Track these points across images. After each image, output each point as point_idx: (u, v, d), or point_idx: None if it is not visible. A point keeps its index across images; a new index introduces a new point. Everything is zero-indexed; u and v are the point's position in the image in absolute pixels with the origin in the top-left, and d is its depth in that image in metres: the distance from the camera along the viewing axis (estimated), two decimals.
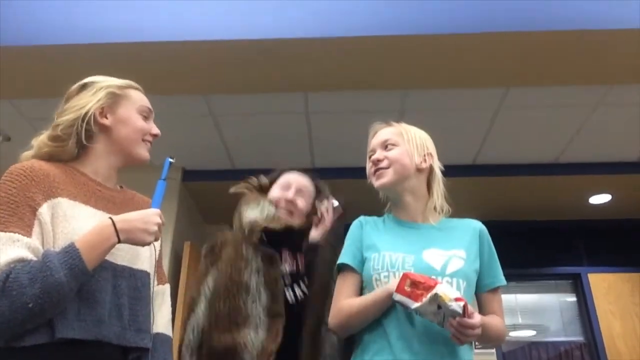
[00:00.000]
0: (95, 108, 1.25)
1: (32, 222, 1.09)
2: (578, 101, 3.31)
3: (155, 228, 1.16)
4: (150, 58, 2.68)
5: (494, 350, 4.23)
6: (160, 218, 1.19)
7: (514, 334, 4.65)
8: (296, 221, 1.73)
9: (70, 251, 1.06)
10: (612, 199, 4.39)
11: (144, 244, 1.16)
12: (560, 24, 2.57)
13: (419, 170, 1.50)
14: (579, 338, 4.49)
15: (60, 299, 1.03)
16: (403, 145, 1.51)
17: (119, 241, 1.11)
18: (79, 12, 2.66)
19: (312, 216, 1.76)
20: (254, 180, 1.86)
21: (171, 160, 1.33)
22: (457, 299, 1.18)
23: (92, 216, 1.18)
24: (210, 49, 2.67)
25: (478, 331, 1.22)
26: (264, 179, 1.87)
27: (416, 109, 3.32)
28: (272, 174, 1.89)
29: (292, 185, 1.79)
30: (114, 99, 1.29)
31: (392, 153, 1.50)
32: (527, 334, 4.69)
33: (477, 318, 1.23)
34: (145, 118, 1.33)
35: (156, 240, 1.19)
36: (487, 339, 1.36)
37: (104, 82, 1.31)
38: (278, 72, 2.86)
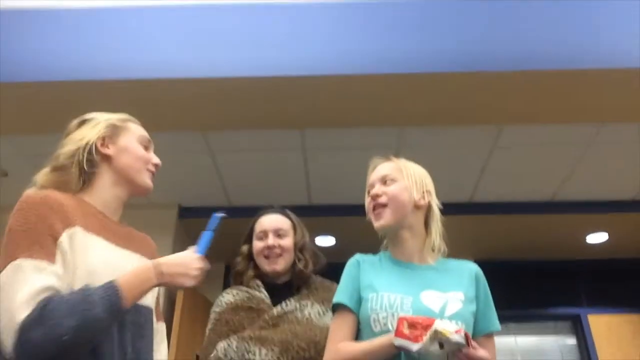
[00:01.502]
0: (96, 138, 1.27)
1: (54, 251, 1.08)
2: (572, 139, 3.34)
3: (196, 272, 1.18)
4: (149, 95, 2.71)
5: None
6: (202, 263, 1.21)
7: None
8: (281, 265, 1.79)
9: (111, 288, 1.06)
10: (609, 238, 4.38)
11: (183, 286, 1.17)
12: (555, 63, 2.62)
13: (417, 207, 1.49)
14: None
15: (95, 335, 1.02)
16: (402, 181, 1.50)
17: (159, 284, 1.13)
18: (78, 49, 2.69)
19: (299, 251, 1.83)
20: (244, 249, 1.89)
21: (220, 215, 1.38)
22: (457, 332, 1.16)
23: (106, 248, 1.18)
24: (208, 86, 2.70)
25: None
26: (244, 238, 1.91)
27: (412, 146, 3.34)
28: (248, 229, 1.91)
29: (269, 231, 1.83)
30: (114, 130, 1.31)
31: (391, 189, 1.50)
32: None
33: (483, 351, 1.20)
34: (146, 148, 1.36)
35: (197, 285, 1.20)
36: None
37: (103, 116, 1.34)
38: (275, 109, 2.90)
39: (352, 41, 2.70)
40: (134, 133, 1.34)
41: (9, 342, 0.97)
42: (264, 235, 1.83)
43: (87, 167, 1.24)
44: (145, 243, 1.37)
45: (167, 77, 2.64)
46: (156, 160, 1.37)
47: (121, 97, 2.64)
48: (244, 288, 1.80)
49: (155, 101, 2.75)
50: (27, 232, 1.07)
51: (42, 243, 1.07)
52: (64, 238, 1.10)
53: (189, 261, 1.19)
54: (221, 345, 1.59)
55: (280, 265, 1.79)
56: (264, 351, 1.56)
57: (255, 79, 2.66)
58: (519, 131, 3.24)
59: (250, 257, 1.87)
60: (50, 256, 1.07)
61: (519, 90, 2.73)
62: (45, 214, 1.10)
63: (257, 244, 1.83)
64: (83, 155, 1.24)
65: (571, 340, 4.61)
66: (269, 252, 1.79)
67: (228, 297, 1.78)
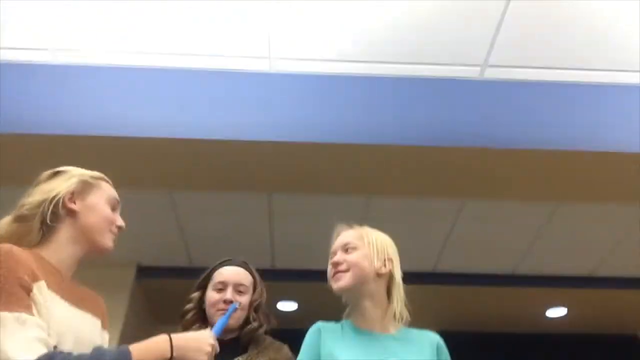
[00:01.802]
0: (65, 192, 1.25)
1: (30, 303, 1.04)
2: (530, 216, 3.43)
3: (209, 349, 1.18)
4: (117, 151, 2.70)
5: None
6: (214, 342, 1.23)
7: None
8: (234, 322, 1.69)
9: (123, 352, 1.04)
10: (567, 312, 4.43)
11: None
12: (517, 142, 2.72)
13: (378, 275, 1.49)
14: None
15: None
16: (363, 249, 1.51)
17: (171, 357, 1.11)
18: (47, 104, 2.67)
19: (254, 310, 1.76)
20: (195, 295, 1.81)
21: (237, 307, 1.55)
22: None
23: (66, 309, 1.15)
24: (176, 146, 2.70)
25: None
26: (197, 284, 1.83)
27: (378, 215, 3.37)
28: (206, 272, 1.84)
29: (229, 284, 1.75)
30: (85, 187, 1.29)
31: (351, 257, 1.50)
32: None
33: None
34: (113, 209, 1.34)
35: None
36: None
37: (76, 171, 1.33)
38: (243, 172, 2.91)
39: (321, 110, 2.77)
40: (103, 192, 1.33)
41: None
42: (223, 287, 1.74)
43: (50, 220, 1.21)
44: (96, 303, 1.33)
45: (135, 136, 2.64)
46: (120, 222, 1.34)
47: (88, 152, 2.61)
48: None
49: (122, 158, 2.72)
50: (1, 285, 1.02)
51: (17, 295, 1.03)
52: (35, 291, 1.07)
53: (202, 337, 1.20)
54: None
55: (234, 320, 1.69)
56: None
57: (224, 142, 2.68)
58: (481, 205, 3.32)
59: (200, 306, 1.77)
60: (28, 308, 1.03)
61: (484, 166, 2.83)
62: (13, 267, 1.06)
63: (213, 295, 1.73)
64: (49, 208, 1.21)
65: None
66: (225, 307, 1.68)
67: None
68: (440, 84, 2.85)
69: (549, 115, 2.79)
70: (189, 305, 1.78)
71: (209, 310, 1.73)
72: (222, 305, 1.69)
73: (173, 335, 1.14)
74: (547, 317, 4.50)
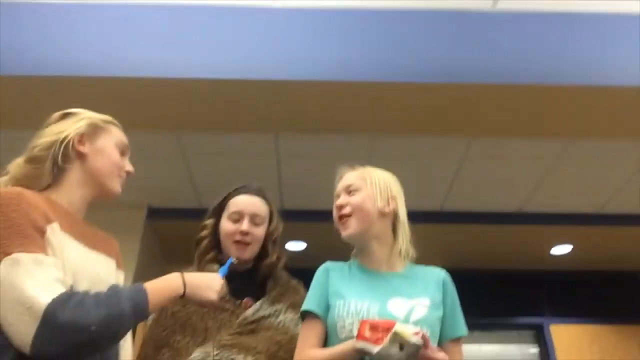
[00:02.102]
0: (74, 134, 1.25)
1: (44, 244, 1.06)
2: (539, 153, 3.41)
3: (219, 288, 1.24)
4: (123, 93, 2.68)
5: None
6: (222, 287, 1.28)
7: None
8: (249, 254, 1.64)
9: (138, 289, 1.09)
10: (573, 249, 4.48)
11: (207, 300, 1.20)
12: (528, 77, 2.67)
13: (382, 214, 1.50)
14: None
15: (119, 331, 1.02)
16: (366, 190, 1.51)
17: (184, 294, 1.15)
18: (53, 45, 2.64)
19: (272, 242, 1.70)
20: (209, 222, 1.72)
21: (233, 261, 1.48)
22: (416, 333, 1.18)
23: (79, 249, 1.16)
24: (183, 87, 2.68)
25: None
26: (211, 211, 1.74)
27: (385, 154, 3.37)
28: (220, 198, 1.73)
29: (245, 214, 1.65)
30: (95, 130, 1.29)
31: (355, 198, 1.50)
32: None
33: (442, 354, 1.22)
34: (122, 153, 1.34)
35: (217, 302, 1.25)
36: None
37: (87, 114, 1.32)
38: (249, 113, 2.89)
39: (327, 47, 2.71)
40: (113, 137, 1.32)
41: (28, 331, 0.93)
42: (239, 217, 1.65)
43: (61, 162, 1.22)
44: (109, 243, 1.35)
45: (141, 76, 2.61)
46: (129, 167, 1.35)
47: (94, 94, 2.59)
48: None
49: (128, 99, 2.71)
50: (12, 228, 1.03)
51: (32, 237, 1.04)
52: (49, 232, 1.08)
53: (213, 276, 1.24)
54: (197, 354, 1.42)
55: (248, 254, 1.64)
56: (249, 359, 1.43)
57: (230, 81, 2.65)
58: (489, 143, 3.30)
59: (214, 233, 1.68)
60: (44, 249, 1.04)
61: (492, 103, 2.78)
62: (26, 210, 1.07)
63: (228, 226, 1.64)
64: (59, 149, 1.22)
65: (534, 349, 4.70)
66: (241, 238, 1.62)
67: None
68: (449, 17, 2.77)
69: (559, 49, 2.71)
70: (204, 233, 1.70)
71: (224, 241, 1.66)
72: (238, 237, 1.62)
73: (185, 274, 1.17)
74: (552, 255, 4.56)
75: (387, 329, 1.19)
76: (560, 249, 4.49)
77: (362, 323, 1.24)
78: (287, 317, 1.58)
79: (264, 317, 1.54)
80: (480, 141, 3.28)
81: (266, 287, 1.65)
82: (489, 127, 3.02)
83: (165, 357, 1.47)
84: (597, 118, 2.87)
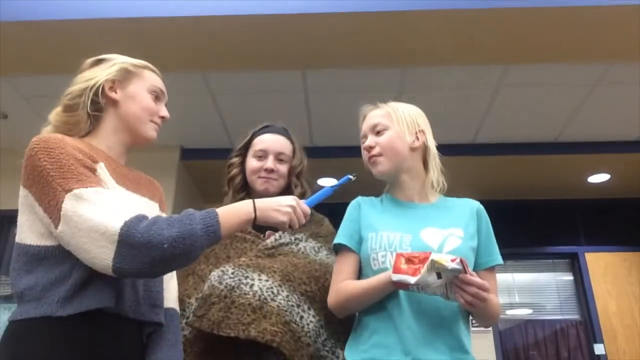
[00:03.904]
0: (104, 80, 1.24)
1: (98, 179, 1.09)
2: (578, 79, 3.29)
3: (288, 209, 1.19)
4: (149, 34, 2.66)
5: (490, 329, 4.28)
6: (297, 204, 1.21)
7: (510, 312, 4.70)
8: (275, 187, 1.68)
9: (210, 212, 1.09)
10: (610, 178, 4.40)
11: (277, 222, 1.18)
12: (563, 0, 2.54)
13: (412, 149, 1.48)
14: (575, 316, 4.54)
15: (192, 250, 1.03)
16: (393, 127, 1.49)
17: (255, 217, 1.14)
18: None
19: (296, 176, 1.73)
20: (236, 161, 1.76)
21: (351, 177, 1.39)
22: (453, 260, 1.17)
23: (121, 192, 1.18)
24: (208, 25, 2.64)
25: (485, 294, 1.20)
26: (237, 149, 1.78)
27: (415, 87, 3.30)
28: (247, 137, 1.77)
29: (269, 152, 1.69)
30: (126, 76, 1.28)
31: (383, 138, 1.48)
32: (524, 312, 4.74)
33: (480, 279, 1.21)
34: (157, 99, 1.32)
35: (292, 223, 1.20)
36: (485, 315, 1.37)
37: (119, 59, 1.30)
38: (276, 49, 2.84)
39: None
40: (145, 81, 1.30)
41: (107, 254, 0.98)
42: (264, 155, 1.70)
43: (94, 109, 1.22)
44: (152, 187, 1.37)
45: (167, 16, 2.58)
46: (164, 112, 1.33)
47: (121, 36, 2.58)
48: None
49: (155, 40, 2.69)
50: (64, 169, 1.06)
51: (85, 174, 1.07)
52: (99, 170, 1.12)
53: (282, 198, 1.21)
54: (214, 273, 1.48)
55: (274, 187, 1.68)
56: (263, 277, 1.47)
57: (255, 17, 2.60)
58: (524, 71, 3.18)
59: (243, 171, 1.74)
60: (100, 183, 1.08)
61: (526, 28, 2.67)
62: (70, 152, 1.09)
63: (254, 163, 1.69)
64: (89, 97, 1.22)
65: (568, 277, 4.72)
66: (266, 175, 1.67)
67: None
68: None
69: None
70: (234, 171, 1.74)
71: (250, 177, 1.70)
72: (263, 174, 1.67)
73: (256, 200, 1.17)
74: (589, 183, 4.48)
75: (424, 260, 1.19)
76: (598, 178, 4.40)
77: (397, 256, 1.25)
78: (307, 245, 1.62)
79: (283, 244, 1.59)
80: (516, 68, 3.17)
81: None
82: (523, 53, 2.91)
83: (190, 284, 1.54)
84: (634, 40, 2.72)
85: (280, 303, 1.43)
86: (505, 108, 3.59)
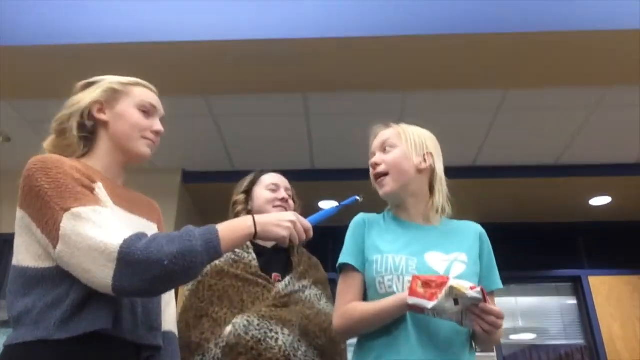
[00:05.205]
0: (90, 103, 1.24)
1: (97, 199, 1.09)
2: (577, 102, 3.31)
3: (289, 224, 1.16)
4: (151, 58, 2.69)
5: (494, 354, 4.23)
6: (298, 219, 1.19)
7: (514, 337, 4.64)
8: None
9: (210, 228, 1.08)
10: (612, 200, 4.38)
11: (278, 237, 1.16)
12: (559, 24, 2.57)
13: (419, 171, 1.48)
14: (580, 341, 4.48)
15: (192, 267, 1.02)
16: (401, 147, 1.49)
17: (256, 233, 1.13)
18: (80, 12, 2.66)
19: None
20: (241, 197, 1.84)
21: (358, 198, 1.41)
22: (472, 287, 1.16)
23: (118, 213, 1.18)
24: (210, 49, 2.67)
25: (501, 322, 1.20)
26: (241, 188, 1.87)
27: (416, 111, 3.32)
28: (250, 177, 1.88)
29: (281, 186, 1.83)
30: (114, 95, 1.27)
31: (390, 156, 1.49)
32: (528, 337, 4.68)
33: (497, 308, 1.21)
34: (146, 114, 1.29)
35: (292, 238, 1.18)
36: (491, 341, 1.35)
37: (107, 80, 1.30)
38: (278, 73, 2.86)
39: (355, 3, 2.64)
40: (134, 98, 1.28)
41: (107, 272, 0.98)
42: (276, 188, 1.82)
43: (80, 132, 1.23)
44: (150, 208, 1.37)
45: (169, 41, 2.61)
46: (157, 127, 1.30)
47: (123, 61, 2.61)
48: None
49: (157, 64, 2.72)
50: (62, 188, 1.06)
51: (83, 193, 1.07)
52: (97, 189, 1.12)
53: (281, 214, 1.20)
54: (239, 321, 1.54)
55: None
56: (286, 331, 1.54)
57: (257, 41, 2.63)
58: (523, 95, 3.20)
59: (246, 207, 1.81)
60: (98, 202, 1.08)
61: (525, 53, 2.69)
62: (68, 172, 1.10)
63: (267, 194, 1.80)
64: (77, 120, 1.22)
65: (571, 301, 4.67)
66: (281, 204, 1.78)
67: None
68: None
69: None
70: (239, 207, 1.82)
71: (263, 207, 1.77)
72: (278, 203, 1.78)
73: (255, 215, 1.17)
74: (590, 206, 4.47)
75: (441, 284, 1.18)
76: (599, 200, 4.39)
77: (414, 279, 1.23)
78: (312, 293, 1.71)
79: (293, 292, 1.67)
80: (514, 93, 3.19)
81: (289, 263, 1.77)
82: (522, 78, 2.93)
83: (206, 327, 1.57)
84: (633, 64, 2.74)
85: (301, 359, 1.54)
86: (505, 131, 3.60)
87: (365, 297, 1.42)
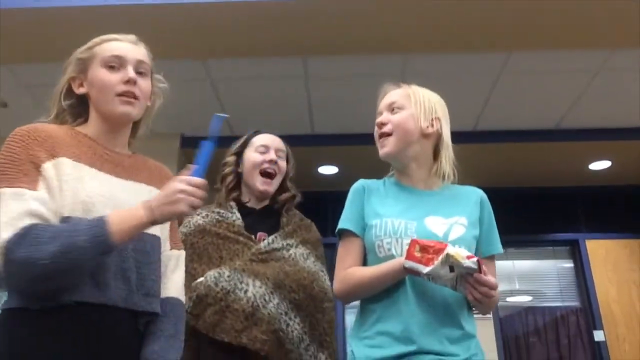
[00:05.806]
0: (66, 82, 1.27)
1: (37, 178, 1.10)
2: (580, 66, 3.27)
3: (180, 195, 1.09)
4: (149, 21, 2.65)
5: (490, 316, 4.30)
6: (186, 183, 1.10)
7: (511, 299, 4.72)
8: (273, 187, 1.77)
9: (99, 221, 1.06)
10: (612, 165, 4.39)
11: (178, 213, 1.10)
12: None
13: (424, 135, 1.46)
14: (575, 303, 4.56)
15: (77, 264, 1.03)
16: (409, 109, 1.47)
17: (152, 220, 1.09)
18: None
19: (288, 180, 1.84)
20: (231, 159, 1.83)
21: (221, 115, 1.26)
22: (469, 257, 1.18)
23: (95, 177, 1.18)
24: (209, 12, 2.62)
25: (495, 293, 1.22)
26: (234, 149, 1.86)
27: (417, 74, 3.26)
28: (243, 139, 1.87)
29: (271, 147, 1.79)
30: (83, 66, 1.27)
31: (397, 117, 1.46)
32: (524, 299, 4.76)
33: (491, 277, 1.23)
34: (113, 68, 1.24)
35: (192, 205, 1.10)
36: (486, 307, 1.37)
37: (74, 55, 1.29)
38: (277, 35, 2.82)
39: None
40: (97, 58, 1.25)
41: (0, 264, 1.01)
42: (266, 150, 1.78)
43: (68, 108, 1.26)
44: (158, 173, 1.36)
45: (167, 2, 2.56)
46: (127, 75, 1.22)
47: (120, 23, 2.53)
48: (216, 209, 1.75)
49: (156, 27, 2.67)
50: (11, 163, 1.09)
51: (25, 171, 1.09)
52: (47, 165, 1.12)
53: (168, 189, 1.11)
54: (211, 273, 1.56)
55: (273, 187, 1.77)
56: (257, 283, 1.55)
57: (255, 3, 2.58)
58: (527, 57, 3.16)
59: (236, 170, 1.82)
60: (32, 183, 1.09)
61: (528, 15, 2.64)
62: (28, 145, 1.12)
63: (256, 157, 1.77)
64: (63, 100, 1.26)
65: (568, 264, 4.73)
66: (269, 167, 1.76)
67: (197, 218, 1.73)
68: None
69: None
70: (228, 169, 1.82)
71: (250, 172, 1.77)
72: (266, 165, 1.76)
73: (148, 199, 1.12)
74: (590, 170, 4.47)
75: (439, 250, 1.19)
76: (599, 165, 4.39)
77: (412, 242, 1.24)
78: (297, 251, 1.70)
79: (275, 249, 1.67)
80: (518, 55, 3.15)
81: (279, 224, 1.77)
82: (524, 40, 2.89)
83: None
84: (637, 27, 2.70)
85: (271, 311, 1.53)
86: (506, 95, 3.57)
87: (365, 262, 1.43)
